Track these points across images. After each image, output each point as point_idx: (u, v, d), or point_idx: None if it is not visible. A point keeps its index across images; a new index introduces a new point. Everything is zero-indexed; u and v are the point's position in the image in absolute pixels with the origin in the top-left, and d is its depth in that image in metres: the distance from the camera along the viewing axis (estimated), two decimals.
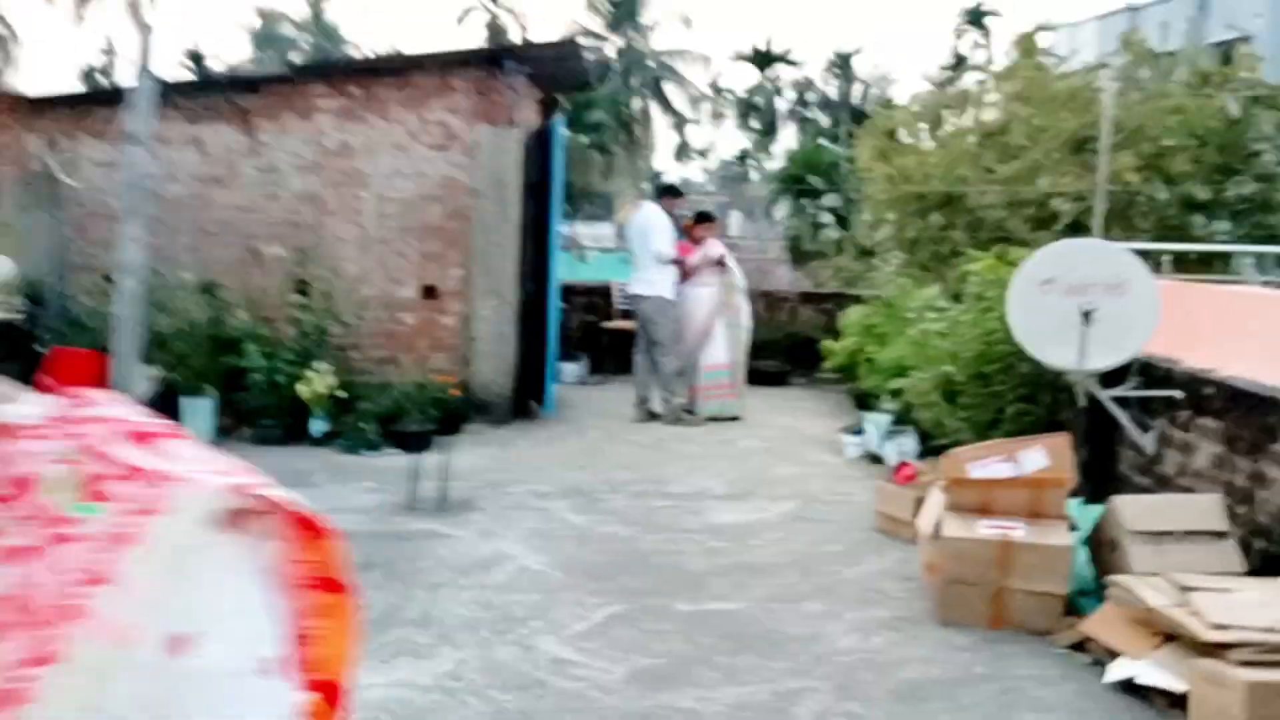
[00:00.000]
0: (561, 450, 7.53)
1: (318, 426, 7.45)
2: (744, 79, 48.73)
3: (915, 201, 24.33)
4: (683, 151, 52.83)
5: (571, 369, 10.57)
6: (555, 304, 8.63)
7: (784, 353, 10.77)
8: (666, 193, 9.28)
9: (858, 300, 10.64)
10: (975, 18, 44.77)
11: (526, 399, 8.78)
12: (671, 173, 55.47)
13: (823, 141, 34.28)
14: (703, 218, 9.06)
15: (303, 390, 7.35)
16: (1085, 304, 4.98)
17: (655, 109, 48.04)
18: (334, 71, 8.06)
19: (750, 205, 49.80)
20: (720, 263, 8.74)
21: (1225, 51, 25.47)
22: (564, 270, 13.57)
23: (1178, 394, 5.10)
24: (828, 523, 5.81)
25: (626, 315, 10.38)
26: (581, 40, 45.20)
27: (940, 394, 6.53)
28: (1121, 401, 5.40)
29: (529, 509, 5.90)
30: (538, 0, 75.84)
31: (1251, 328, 6.43)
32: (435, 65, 8.12)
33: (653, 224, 8.74)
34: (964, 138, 23.84)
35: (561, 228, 10.57)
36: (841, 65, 48.35)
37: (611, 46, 46.79)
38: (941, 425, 6.48)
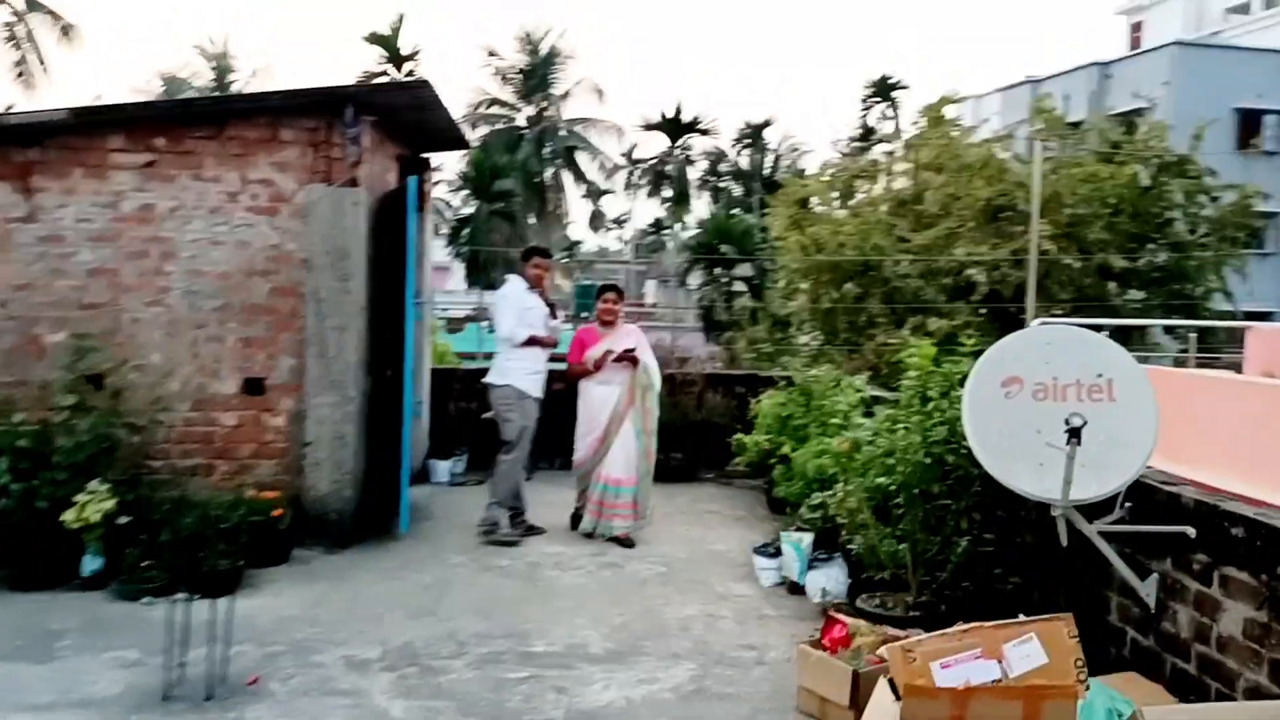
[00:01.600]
0: (407, 585, 6.00)
1: (90, 564, 5.82)
2: (656, 148, 48.18)
3: (830, 271, 23.33)
4: (597, 220, 52.02)
5: (444, 467, 9.07)
6: (412, 396, 7.16)
7: (691, 444, 9.41)
8: (527, 256, 7.46)
9: (771, 383, 9.40)
10: (882, 90, 45.07)
11: (377, 513, 7.26)
12: (588, 242, 54.62)
13: (735, 210, 33.63)
14: (607, 290, 7.46)
15: (69, 518, 5.73)
16: (1071, 415, 3.72)
17: (569, 178, 47.20)
18: (134, 119, 6.60)
19: (665, 274, 49.03)
20: (630, 358, 7.10)
21: (1129, 120, 25.34)
22: (476, 343, 12.16)
23: (1189, 531, 3.85)
24: (736, 700, 4.39)
25: None
26: (490, 108, 43.94)
27: (873, 512, 5.22)
28: (1107, 535, 4.15)
29: (334, 694, 4.36)
30: (446, 71, 75.09)
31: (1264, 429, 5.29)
32: (259, 112, 6.70)
33: (501, 298, 7.35)
34: (877, 206, 23.03)
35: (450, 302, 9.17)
36: (753, 136, 48.22)
37: (522, 116, 45.96)
38: (876, 553, 5.17)
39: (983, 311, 19.59)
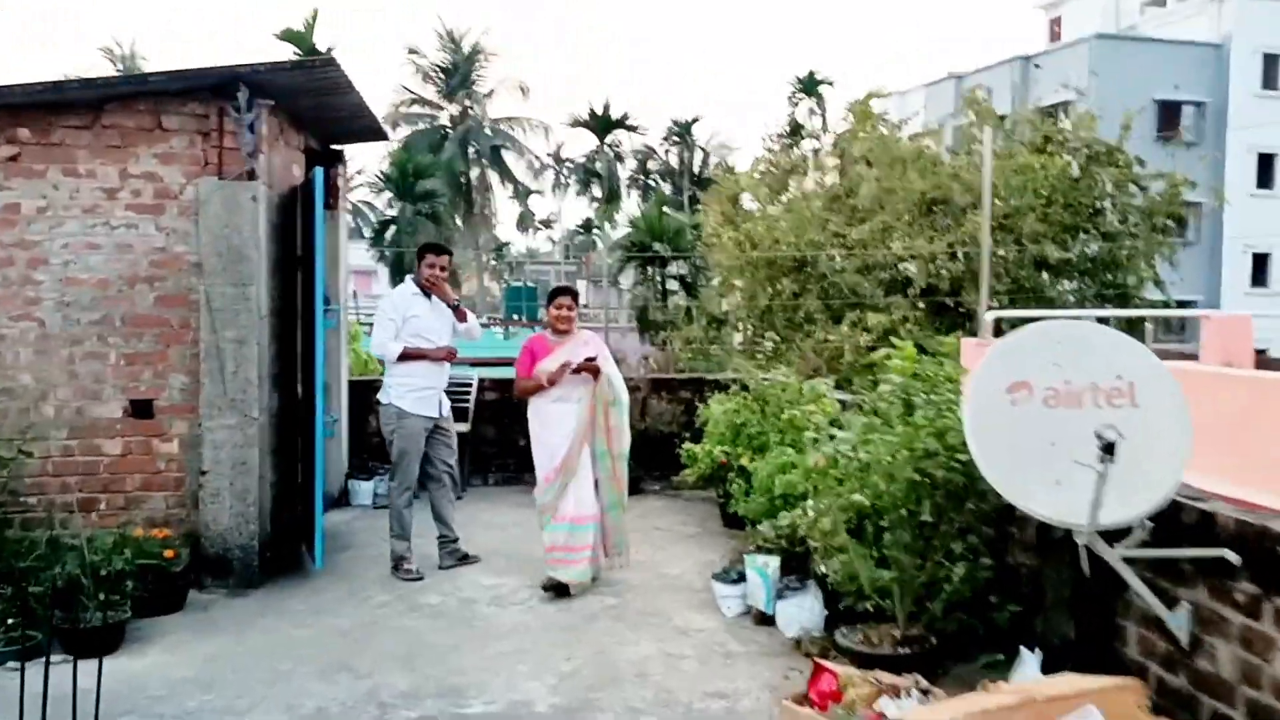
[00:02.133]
0: (321, 633, 5.25)
1: None
2: (584, 146, 47.50)
3: (765, 267, 22.85)
4: (525, 221, 51.15)
5: (366, 488, 8.29)
6: (325, 414, 6.40)
7: (634, 454, 8.75)
8: (420, 255, 6.61)
9: (717, 387, 8.80)
10: (809, 86, 44.96)
11: (287, 547, 6.48)
12: (516, 243, 53.64)
13: (666, 209, 33.10)
14: (560, 293, 6.17)
15: None
16: (1103, 428, 3.16)
17: (495, 179, 46.25)
18: None
19: (597, 274, 48.37)
20: (590, 368, 5.99)
21: (1052, 113, 25.28)
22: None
23: (1230, 556, 3.32)
24: None
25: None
26: (415, 104, 42.72)
27: (850, 534, 4.63)
28: (1129, 559, 3.60)
29: None
30: (367, 70, 73.41)
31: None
32: (139, 97, 5.88)
33: (380, 307, 6.67)
34: (810, 202, 22.61)
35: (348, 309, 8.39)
36: (681, 133, 47.80)
37: (446, 115, 44.90)
38: (855, 580, 4.57)
39: (921, 306, 19.37)
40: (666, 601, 5.77)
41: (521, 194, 47.46)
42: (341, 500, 8.23)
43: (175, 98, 5.90)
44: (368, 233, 41.39)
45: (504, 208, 74.17)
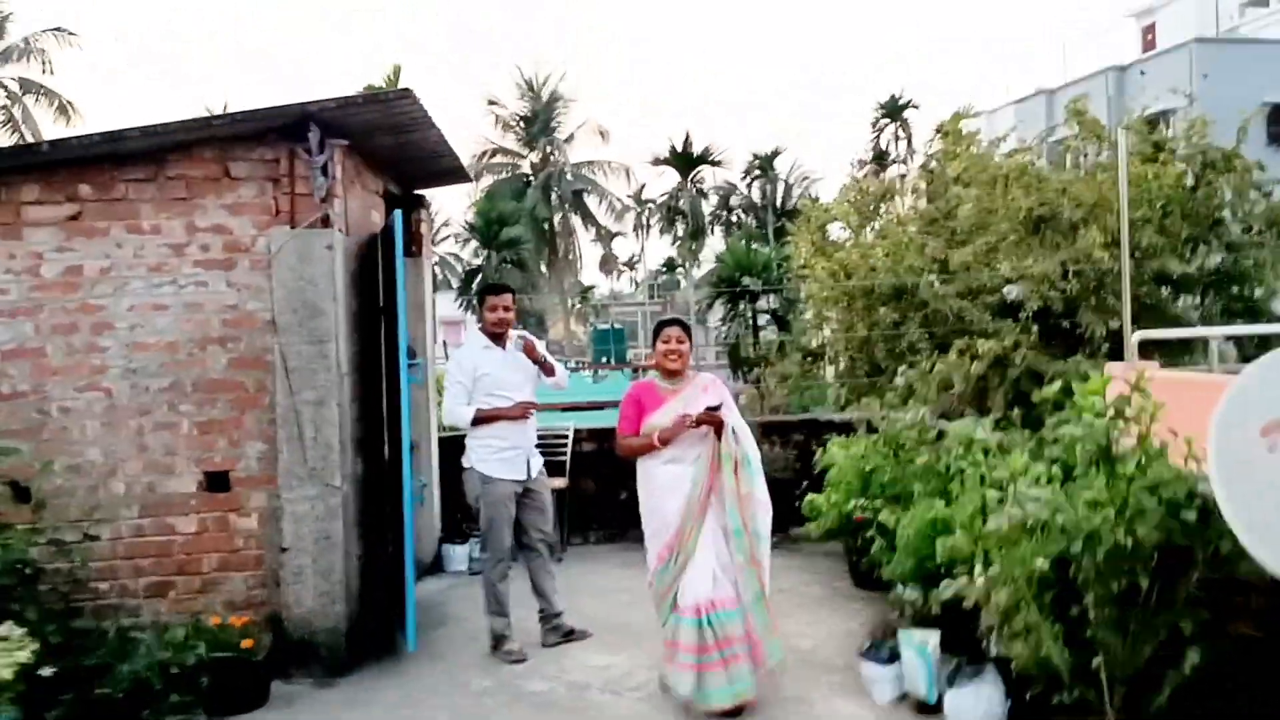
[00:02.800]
0: None
1: None
2: (666, 185, 47.18)
3: (862, 297, 21.95)
4: (609, 263, 50.99)
5: (461, 553, 7.70)
6: (413, 479, 5.83)
7: None
8: (480, 299, 5.95)
9: (834, 429, 8.03)
10: (893, 110, 44.01)
11: (378, 627, 5.90)
12: (601, 285, 53.50)
13: (752, 242, 32.42)
14: (668, 325, 4.95)
15: None
16: None
17: (578, 222, 46.20)
18: (50, 163, 5.36)
19: (681, 312, 47.87)
20: (712, 419, 4.73)
21: (1153, 122, 23.84)
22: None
23: None
24: None
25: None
26: (497, 155, 42.99)
27: (1040, 604, 3.82)
28: None
29: None
30: (448, 122, 74.66)
31: None
32: (204, 144, 5.44)
33: (449, 368, 5.97)
34: (905, 226, 21.67)
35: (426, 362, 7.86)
36: (762, 167, 47.17)
37: (527, 162, 45.09)
38: (1047, 664, 3.76)
39: (1034, 329, 18.27)
40: (805, 683, 4.99)
41: (605, 236, 47.31)
42: (435, 566, 7.65)
43: (242, 143, 5.45)
44: (454, 283, 41.57)
45: (587, 251, 74.44)
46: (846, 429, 8.01)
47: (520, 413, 5.71)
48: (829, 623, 5.94)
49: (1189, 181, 20.47)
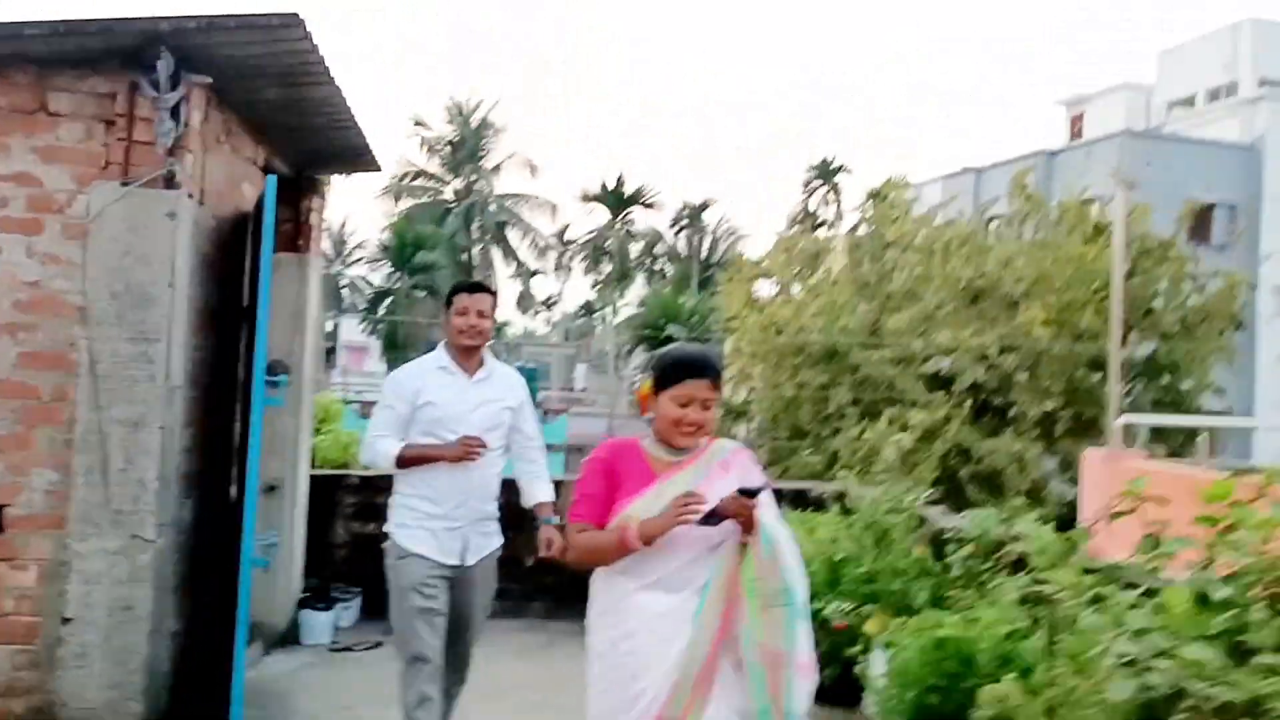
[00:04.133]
0: None
1: None
2: (591, 224, 46.18)
3: (793, 355, 20.82)
4: (526, 301, 49.63)
5: (323, 621, 6.25)
6: (257, 532, 4.43)
7: None
8: (449, 299, 3.98)
9: (793, 502, 6.84)
10: (824, 173, 43.93)
11: (198, 711, 4.45)
12: (515, 323, 52.03)
13: (674, 290, 31.55)
14: (692, 368, 2.69)
15: None
16: None
17: (498, 255, 44.83)
18: None
19: (597, 359, 46.62)
20: (741, 515, 2.56)
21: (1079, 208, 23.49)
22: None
23: None
24: None
25: None
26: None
27: None
28: None
29: None
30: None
31: None
32: (15, 62, 4.05)
33: (382, 389, 4.08)
34: (842, 287, 20.71)
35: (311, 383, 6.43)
36: (691, 217, 46.62)
37: (450, 189, 43.69)
38: None
39: (966, 403, 17.52)
40: None
41: (524, 273, 46.01)
42: (290, 637, 6.18)
43: (67, 68, 4.08)
44: (360, 305, 39.77)
45: (505, 287, 73.21)
46: (798, 501, 6.86)
47: (461, 453, 3.72)
48: None
49: (1124, 267, 20.02)
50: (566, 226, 47.03)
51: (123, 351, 3.98)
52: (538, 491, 4.01)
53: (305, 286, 6.05)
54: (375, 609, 6.51)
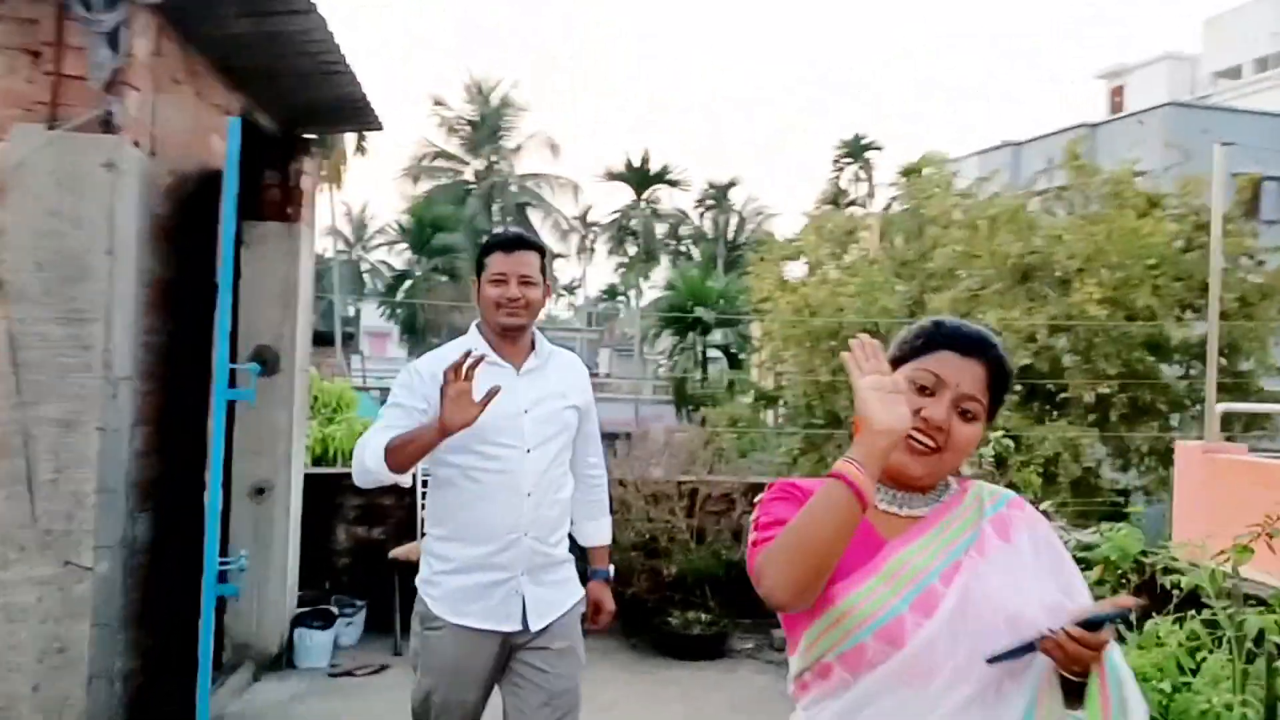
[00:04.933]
0: None
1: None
2: (614, 205, 45.30)
3: (828, 338, 19.84)
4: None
5: (321, 642, 5.49)
6: (215, 548, 3.68)
7: (721, 597, 5.97)
8: (482, 258, 2.82)
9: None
10: (855, 150, 42.78)
11: None
12: None
13: (698, 271, 30.68)
14: (938, 337, 1.60)
15: None
16: None
17: None
18: None
19: (621, 343, 45.81)
20: (1085, 651, 1.35)
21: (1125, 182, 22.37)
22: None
23: None
24: None
25: None
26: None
27: None
28: None
29: None
30: (391, 125, 72.09)
31: None
32: None
33: (395, 383, 2.78)
34: (880, 266, 19.71)
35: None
36: (717, 197, 45.61)
37: (470, 170, 42.93)
38: None
39: (1017, 389, 16.60)
40: None
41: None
42: (283, 659, 5.44)
43: None
44: (380, 289, 39.16)
45: None
46: None
47: (462, 410, 2.41)
48: None
49: (1179, 243, 18.94)
50: (589, 208, 46.23)
51: (52, 335, 3.23)
52: (593, 531, 2.95)
53: (296, 260, 5.27)
54: (381, 624, 5.79)
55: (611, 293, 48.25)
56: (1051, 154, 37.95)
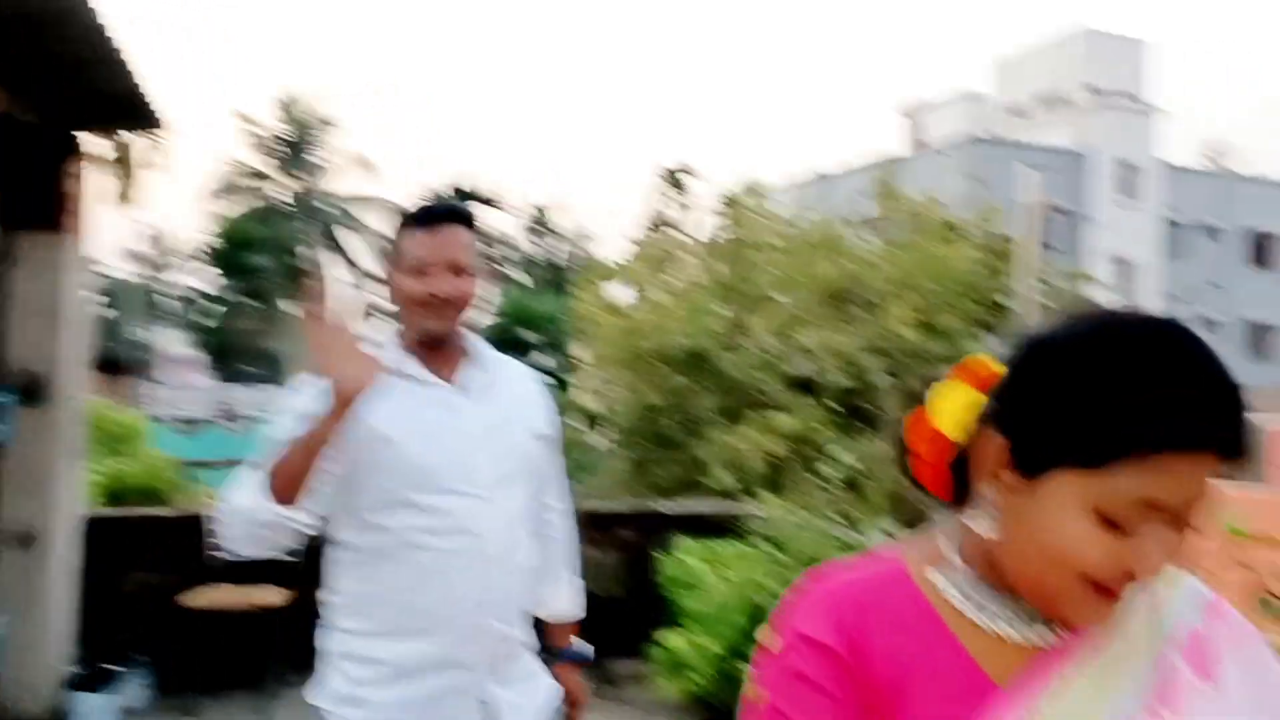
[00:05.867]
0: None
1: None
2: None
3: (657, 360, 19.93)
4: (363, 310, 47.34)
5: (99, 706, 4.83)
6: None
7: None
8: (401, 234, 2.02)
9: (686, 527, 5.84)
10: (674, 177, 43.50)
11: None
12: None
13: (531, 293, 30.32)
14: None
15: None
16: None
17: (333, 260, 42.45)
18: None
19: None
20: None
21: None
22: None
23: None
24: None
25: (241, 572, 4.66)
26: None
27: None
28: None
29: None
30: (206, 142, 68.53)
31: None
32: None
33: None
34: (705, 290, 19.94)
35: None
36: (541, 220, 45.39)
37: (281, 189, 41.10)
38: None
39: (835, 407, 17.05)
40: None
41: (364, 278, 43.77)
42: None
43: None
44: (185, 314, 36.85)
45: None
46: (698, 526, 5.85)
47: (352, 384, 1.75)
48: None
49: (980, 269, 20.12)
50: None
51: None
52: (554, 597, 2.26)
53: (63, 275, 4.63)
54: (179, 684, 5.16)
55: None
56: (861, 185, 39.71)
